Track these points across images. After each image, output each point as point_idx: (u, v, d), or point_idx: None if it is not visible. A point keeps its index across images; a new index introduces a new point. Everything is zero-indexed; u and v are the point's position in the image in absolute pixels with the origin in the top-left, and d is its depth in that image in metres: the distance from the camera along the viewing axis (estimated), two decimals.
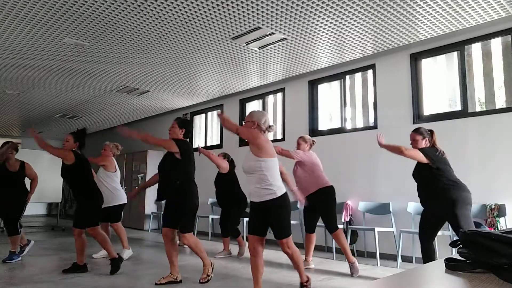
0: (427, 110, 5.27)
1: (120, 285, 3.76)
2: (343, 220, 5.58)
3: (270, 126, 3.14)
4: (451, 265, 0.83)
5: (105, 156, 5.32)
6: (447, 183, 3.42)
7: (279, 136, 7.20)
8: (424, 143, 3.60)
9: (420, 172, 3.59)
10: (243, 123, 3.17)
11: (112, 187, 5.20)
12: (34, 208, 13.25)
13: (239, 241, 5.50)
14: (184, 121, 3.94)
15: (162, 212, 3.81)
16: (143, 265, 4.83)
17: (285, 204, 3.00)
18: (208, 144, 8.81)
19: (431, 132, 3.68)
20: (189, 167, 3.78)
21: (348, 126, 6.18)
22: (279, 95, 7.31)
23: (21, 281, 3.79)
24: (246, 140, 3.07)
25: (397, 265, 4.76)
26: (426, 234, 3.57)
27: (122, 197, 5.27)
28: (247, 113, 7.85)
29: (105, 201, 5.12)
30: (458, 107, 5.01)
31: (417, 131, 3.67)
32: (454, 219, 3.35)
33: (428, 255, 3.53)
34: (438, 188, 3.43)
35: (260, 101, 7.73)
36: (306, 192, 4.41)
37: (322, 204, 4.41)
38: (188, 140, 3.93)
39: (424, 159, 3.45)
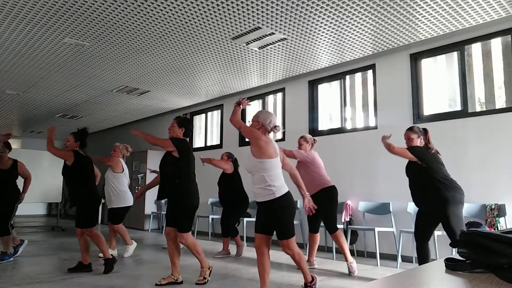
0: (427, 110, 5.27)
1: (121, 285, 3.75)
2: (343, 220, 5.58)
3: (275, 126, 3.10)
4: (451, 265, 0.83)
5: (113, 156, 5.28)
6: (438, 182, 3.41)
7: (279, 136, 7.20)
8: (419, 141, 3.60)
9: (410, 170, 3.61)
10: (250, 122, 3.17)
11: (118, 188, 5.16)
12: (34, 208, 13.26)
13: (237, 241, 5.48)
14: (184, 120, 3.90)
15: (165, 212, 3.84)
16: (143, 265, 4.83)
17: (285, 205, 2.96)
18: (208, 144, 8.81)
19: (425, 130, 3.69)
20: (189, 167, 3.75)
21: (348, 126, 6.18)
22: (279, 95, 7.31)
23: (21, 281, 3.79)
24: (247, 140, 3.13)
25: (397, 265, 4.76)
26: (421, 234, 3.55)
27: (127, 199, 5.21)
28: (247, 113, 7.90)
29: (110, 202, 5.16)
30: (458, 107, 5.01)
31: (411, 129, 3.68)
32: (445, 218, 3.35)
33: (423, 257, 3.51)
34: (429, 186, 3.43)
35: (260, 101, 7.73)
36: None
37: (323, 204, 4.34)
38: (188, 139, 3.91)
39: (412, 157, 3.48)
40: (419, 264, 3.43)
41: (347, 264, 4.28)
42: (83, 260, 4.25)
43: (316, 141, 4.67)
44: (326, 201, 4.36)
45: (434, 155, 3.55)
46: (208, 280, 3.81)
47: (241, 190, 5.46)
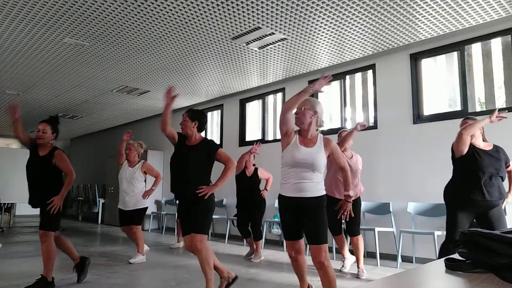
0: (427, 110, 5.27)
1: (121, 285, 3.75)
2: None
3: (323, 121, 2.90)
4: (451, 265, 0.83)
5: (151, 168, 5.20)
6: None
7: (279, 136, 7.19)
8: (480, 133, 3.28)
9: (486, 159, 3.19)
10: (298, 109, 2.82)
11: (141, 190, 5.12)
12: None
13: (258, 245, 5.33)
14: (196, 112, 3.44)
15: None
16: (143, 265, 4.83)
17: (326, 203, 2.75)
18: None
19: None
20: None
21: (348, 126, 6.18)
22: (279, 95, 7.31)
23: (21, 281, 3.78)
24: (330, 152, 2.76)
25: (397, 265, 4.76)
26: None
27: (146, 200, 5.20)
28: (247, 113, 7.90)
29: (132, 204, 5.04)
30: (458, 107, 5.00)
31: (472, 118, 3.33)
32: (502, 214, 3.18)
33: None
34: (498, 179, 3.19)
35: (260, 101, 7.73)
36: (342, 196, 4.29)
37: (356, 209, 4.19)
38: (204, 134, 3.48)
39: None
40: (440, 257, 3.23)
41: (358, 269, 4.28)
42: (74, 258, 3.90)
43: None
44: (358, 206, 4.37)
45: None
46: None
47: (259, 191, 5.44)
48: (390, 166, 5.40)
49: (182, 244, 6.21)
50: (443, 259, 0.88)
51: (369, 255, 5.39)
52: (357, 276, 4.23)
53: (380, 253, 4.96)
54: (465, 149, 3.21)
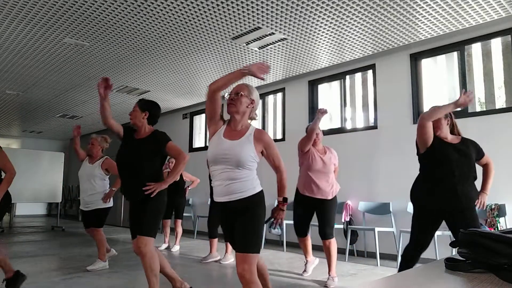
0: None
1: (120, 285, 3.75)
2: (343, 220, 5.58)
3: (256, 114, 2.47)
4: (451, 265, 0.83)
5: (114, 165, 4.47)
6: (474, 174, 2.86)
7: (279, 136, 7.21)
8: (446, 123, 2.90)
9: (454, 154, 2.79)
10: (233, 95, 2.37)
11: (106, 188, 4.63)
12: (34, 208, 13.26)
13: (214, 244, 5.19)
14: (147, 102, 3.18)
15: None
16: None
17: (264, 201, 2.39)
18: (208, 144, 8.79)
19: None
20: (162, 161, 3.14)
21: (348, 126, 6.18)
22: (279, 95, 7.31)
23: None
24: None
25: (397, 265, 4.76)
26: (424, 240, 2.90)
27: (111, 200, 4.66)
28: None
29: (92, 204, 4.52)
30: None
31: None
32: (472, 215, 2.79)
33: (410, 266, 2.87)
34: (470, 178, 2.81)
35: (260, 101, 7.73)
36: (321, 195, 3.92)
37: (332, 209, 4.01)
38: (153, 126, 3.20)
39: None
40: (399, 271, 3.02)
41: (329, 276, 3.89)
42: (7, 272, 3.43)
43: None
44: (334, 207, 4.06)
45: None
46: None
47: None
48: (390, 166, 5.40)
49: (175, 247, 6.14)
50: (443, 259, 0.88)
51: (369, 255, 5.39)
52: (324, 285, 3.79)
53: (380, 253, 4.97)
54: (429, 140, 2.79)
